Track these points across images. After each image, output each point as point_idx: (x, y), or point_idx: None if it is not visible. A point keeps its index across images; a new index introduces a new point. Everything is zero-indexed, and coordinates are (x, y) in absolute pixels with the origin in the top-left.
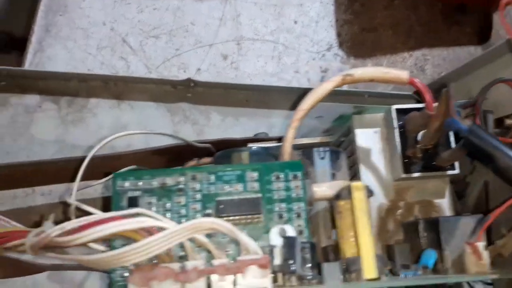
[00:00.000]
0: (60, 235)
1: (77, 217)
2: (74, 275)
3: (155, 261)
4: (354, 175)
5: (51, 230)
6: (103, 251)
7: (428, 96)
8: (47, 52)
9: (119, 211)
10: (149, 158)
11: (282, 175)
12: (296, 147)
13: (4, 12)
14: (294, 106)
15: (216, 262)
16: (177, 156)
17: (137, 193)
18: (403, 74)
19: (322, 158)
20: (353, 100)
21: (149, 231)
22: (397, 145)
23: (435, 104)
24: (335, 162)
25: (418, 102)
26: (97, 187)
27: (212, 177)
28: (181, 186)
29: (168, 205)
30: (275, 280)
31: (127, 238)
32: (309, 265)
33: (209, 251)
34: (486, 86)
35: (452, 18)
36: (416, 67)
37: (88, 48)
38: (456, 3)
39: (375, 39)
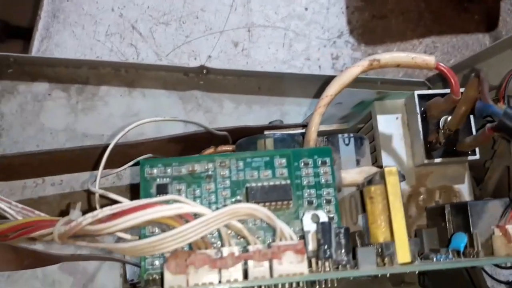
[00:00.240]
0: (91, 224)
1: (101, 206)
2: (86, 265)
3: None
4: (375, 161)
5: (82, 218)
6: (132, 240)
7: (454, 81)
8: (55, 39)
9: (153, 198)
10: (165, 147)
11: (310, 161)
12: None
13: None
14: (307, 93)
15: (252, 248)
16: (192, 144)
17: (166, 180)
18: (430, 59)
19: (347, 144)
20: (366, 87)
21: (185, 218)
22: (419, 131)
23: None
24: (359, 148)
25: (429, 88)
26: (109, 177)
27: (241, 164)
28: (210, 172)
29: (198, 192)
30: (309, 265)
31: (160, 226)
32: (344, 250)
33: (240, 238)
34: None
35: (460, 5)
36: (425, 54)
37: (96, 34)
38: None
39: (385, 26)
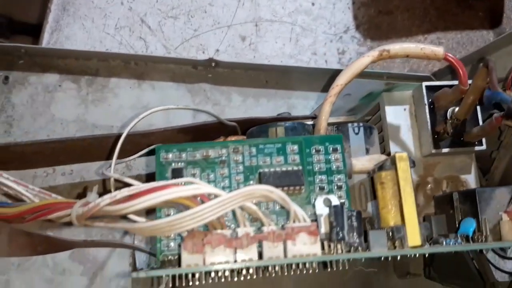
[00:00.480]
0: (109, 204)
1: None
2: (96, 254)
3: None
4: (383, 151)
5: (100, 199)
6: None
7: (462, 71)
8: (65, 32)
9: (170, 180)
10: (175, 137)
11: (322, 148)
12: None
13: None
14: (313, 87)
15: (266, 229)
16: (202, 134)
17: (181, 165)
18: (438, 50)
19: (357, 133)
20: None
21: (201, 199)
22: (427, 121)
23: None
24: (369, 137)
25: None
26: (118, 167)
27: (254, 150)
28: (224, 158)
29: (212, 176)
30: (322, 247)
31: (176, 207)
32: (356, 232)
33: (255, 221)
34: None
35: (465, 2)
36: (434, 45)
37: (106, 27)
38: None
39: (391, 22)
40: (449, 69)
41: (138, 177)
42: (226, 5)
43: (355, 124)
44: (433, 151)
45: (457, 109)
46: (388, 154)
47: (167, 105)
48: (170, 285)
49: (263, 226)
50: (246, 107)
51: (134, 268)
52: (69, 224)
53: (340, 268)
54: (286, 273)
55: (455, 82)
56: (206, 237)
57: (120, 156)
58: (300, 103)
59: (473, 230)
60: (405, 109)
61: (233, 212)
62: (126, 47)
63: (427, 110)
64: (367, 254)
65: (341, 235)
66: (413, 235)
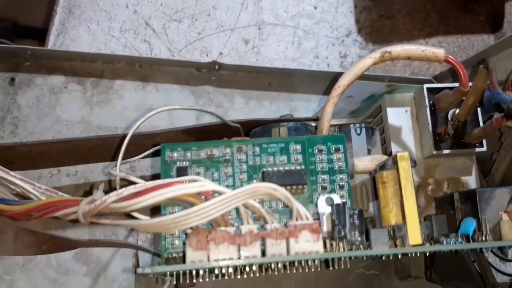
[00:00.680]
0: (116, 201)
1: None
2: (100, 255)
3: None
4: (385, 153)
5: (107, 197)
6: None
7: (463, 73)
8: (71, 34)
9: (175, 178)
10: (179, 138)
11: (324, 148)
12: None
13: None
14: (315, 90)
15: (269, 226)
16: (205, 136)
17: (185, 163)
18: (439, 52)
19: (359, 134)
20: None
21: (205, 196)
22: (428, 123)
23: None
24: (371, 138)
25: None
26: (122, 168)
27: (257, 149)
28: (228, 157)
29: (216, 175)
30: (324, 246)
31: (181, 204)
32: (358, 231)
33: (258, 219)
34: None
35: (466, 6)
36: (435, 47)
37: (111, 30)
38: None
39: (392, 26)
40: (450, 73)
41: (142, 178)
42: (229, 9)
43: (357, 125)
44: (434, 152)
45: (458, 110)
46: (390, 154)
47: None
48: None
49: (266, 224)
50: (249, 109)
51: (138, 267)
52: (74, 223)
53: (342, 267)
54: (288, 271)
55: (456, 85)
56: (210, 234)
57: (124, 157)
58: (302, 106)
59: (474, 229)
60: (406, 111)
61: (237, 210)
62: (131, 50)
63: (428, 112)
64: (368, 252)
65: (343, 233)
66: (414, 234)
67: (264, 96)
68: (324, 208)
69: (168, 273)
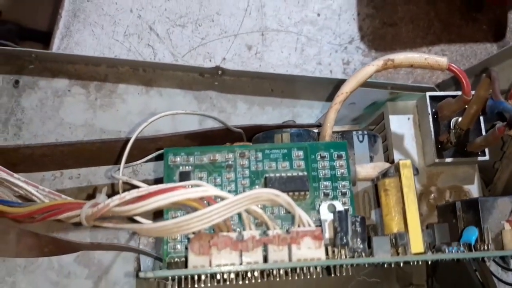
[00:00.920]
0: (118, 205)
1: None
2: (101, 258)
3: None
4: (387, 160)
5: (110, 200)
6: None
7: (466, 81)
8: (75, 38)
9: (178, 183)
10: (182, 142)
11: (327, 155)
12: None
13: (11, 2)
14: (318, 96)
15: (271, 232)
16: (208, 141)
17: (188, 168)
18: (442, 61)
19: (361, 141)
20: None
21: (208, 201)
22: (430, 131)
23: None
24: (373, 145)
25: None
26: (125, 172)
27: (260, 155)
28: (230, 162)
29: (218, 180)
30: (326, 253)
31: (183, 209)
32: (360, 238)
33: (260, 225)
34: None
35: (469, 15)
36: (438, 55)
37: (115, 34)
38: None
39: (395, 34)
40: (453, 81)
41: (144, 182)
42: (233, 15)
43: (360, 132)
44: (437, 160)
45: (460, 119)
46: (392, 162)
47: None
48: None
49: (269, 230)
50: (252, 115)
51: (139, 271)
52: (76, 226)
53: (344, 273)
54: (290, 277)
55: (459, 93)
56: (212, 239)
57: (127, 161)
58: (305, 112)
59: (476, 238)
60: (409, 119)
61: (239, 215)
62: (135, 54)
63: (430, 120)
64: (370, 259)
65: (345, 240)
66: (416, 242)
67: (267, 101)
68: (326, 215)
69: (170, 277)
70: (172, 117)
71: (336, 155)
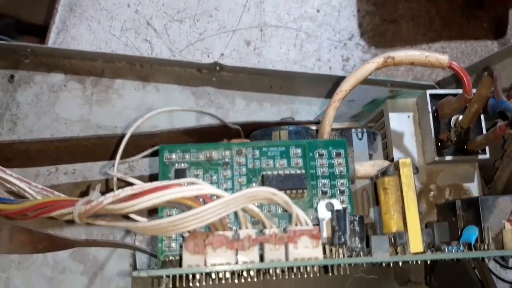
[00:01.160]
0: (112, 203)
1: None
2: (97, 254)
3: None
4: (387, 158)
5: (103, 198)
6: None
7: (467, 79)
8: (71, 32)
9: (173, 180)
10: (179, 138)
11: (325, 152)
12: None
13: None
14: (317, 93)
15: (268, 231)
16: (205, 137)
17: (184, 165)
18: (443, 58)
19: (360, 139)
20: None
21: (203, 200)
22: (430, 129)
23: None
24: (372, 143)
25: None
26: (121, 168)
27: (257, 152)
28: (227, 160)
29: (215, 177)
30: (323, 252)
31: (178, 207)
32: (358, 237)
33: (256, 224)
34: None
35: (470, 12)
36: (439, 53)
37: (112, 29)
38: None
39: (395, 30)
40: (453, 78)
41: (140, 178)
42: (231, 10)
43: (359, 130)
44: (437, 158)
45: (461, 117)
46: (392, 160)
47: (171, 107)
48: (170, 286)
49: (265, 229)
50: (250, 111)
51: (135, 269)
52: (71, 223)
53: (342, 272)
54: (287, 276)
55: (459, 91)
56: (207, 238)
57: (123, 157)
58: (303, 109)
59: (476, 238)
60: (409, 116)
61: (235, 214)
62: (132, 49)
63: (431, 118)
64: (368, 259)
65: (343, 239)
66: (416, 242)
67: (265, 98)
68: (324, 214)
69: (165, 275)
70: (169, 113)
71: (334, 153)
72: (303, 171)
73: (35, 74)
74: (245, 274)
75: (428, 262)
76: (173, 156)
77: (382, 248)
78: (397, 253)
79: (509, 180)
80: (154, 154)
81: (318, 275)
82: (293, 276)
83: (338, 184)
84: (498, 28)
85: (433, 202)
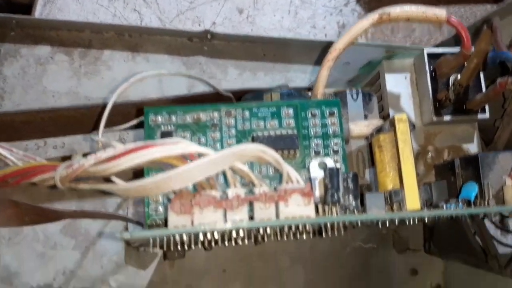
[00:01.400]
0: (94, 165)
1: None
2: (88, 228)
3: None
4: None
5: (85, 160)
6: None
7: (466, 35)
8: (58, 4)
9: (158, 140)
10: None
11: (318, 112)
12: None
13: None
14: (312, 61)
15: (257, 190)
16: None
17: (170, 128)
18: (441, 13)
19: (355, 100)
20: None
21: (189, 159)
22: (428, 89)
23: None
24: (368, 103)
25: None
26: (110, 137)
27: (247, 113)
28: (215, 121)
29: (203, 140)
30: (316, 211)
31: (163, 167)
32: (352, 195)
33: (246, 184)
34: None
35: None
36: (433, 24)
37: None
38: None
39: None
40: (453, 40)
41: None
42: None
43: (354, 91)
44: (435, 119)
45: (460, 76)
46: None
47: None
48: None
49: (255, 188)
50: (243, 81)
51: (127, 243)
52: (61, 197)
53: (336, 234)
54: (279, 238)
55: (458, 49)
56: (194, 198)
57: (110, 126)
58: (298, 77)
59: (475, 195)
60: (406, 77)
61: (224, 176)
62: (120, 20)
63: (428, 78)
64: (363, 216)
65: (336, 197)
66: (412, 198)
67: (259, 67)
68: (316, 173)
69: (158, 245)
70: (159, 83)
71: (328, 112)
72: (295, 131)
73: (21, 47)
74: (234, 234)
75: (426, 227)
76: (159, 118)
77: (377, 205)
78: (393, 211)
79: (510, 140)
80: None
81: (311, 236)
82: (285, 238)
83: (332, 144)
84: None
85: (431, 164)
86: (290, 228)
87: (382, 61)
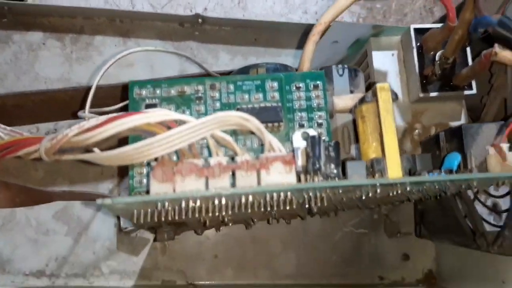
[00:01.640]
0: (77, 134)
1: None
2: (81, 214)
3: None
4: None
5: (68, 130)
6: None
7: (450, 6)
8: None
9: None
10: None
11: (302, 85)
12: None
13: None
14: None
15: (239, 158)
16: None
17: (155, 101)
18: None
19: (341, 75)
20: None
21: (171, 126)
22: (415, 65)
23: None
24: (354, 79)
25: None
26: None
27: (231, 87)
28: (200, 94)
29: (188, 113)
30: (298, 180)
31: (145, 135)
32: (334, 163)
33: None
34: None
35: None
36: (425, 9)
37: None
38: None
39: None
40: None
41: None
42: None
43: (340, 66)
44: (421, 95)
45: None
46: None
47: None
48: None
49: (237, 156)
50: (234, 66)
51: (119, 228)
52: (54, 183)
53: (319, 203)
54: (262, 208)
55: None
56: (176, 166)
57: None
58: (289, 61)
59: (458, 164)
60: (393, 55)
61: (208, 147)
62: (112, 6)
63: (415, 53)
64: (344, 182)
65: (317, 165)
66: (394, 167)
67: (250, 51)
68: (299, 143)
69: (142, 217)
70: (151, 66)
71: (312, 85)
72: (280, 104)
73: (13, 33)
74: (216, 201)
75: (417, 210)
76: (143, 91)
77: (359, 172)
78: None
79: (497, 115)
80: None
81: (294, 206)
82: (269, 208)
83: (316, 117)
84: None
85: (418, 141)
86: (272, 197)
87: (369, 38)
